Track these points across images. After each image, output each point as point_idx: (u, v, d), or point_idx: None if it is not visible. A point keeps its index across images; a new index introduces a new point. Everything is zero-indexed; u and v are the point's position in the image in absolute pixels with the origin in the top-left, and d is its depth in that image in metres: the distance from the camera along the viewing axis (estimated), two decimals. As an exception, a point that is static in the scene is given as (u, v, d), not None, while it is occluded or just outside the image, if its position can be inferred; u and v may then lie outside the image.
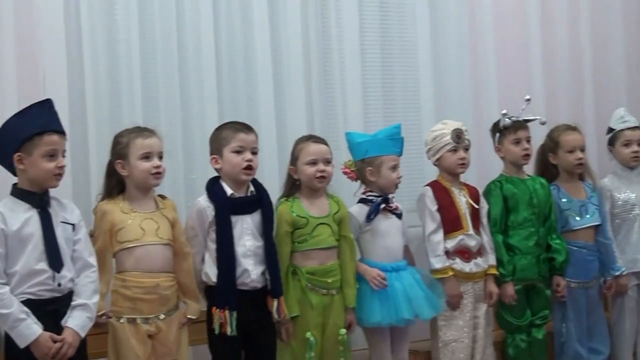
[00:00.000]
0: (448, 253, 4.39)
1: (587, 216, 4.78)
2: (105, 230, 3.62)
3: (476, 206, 4.48)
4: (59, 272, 3.31)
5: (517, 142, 4.63)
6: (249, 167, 3.84)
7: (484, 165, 5.12)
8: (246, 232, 3.84)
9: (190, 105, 4.63)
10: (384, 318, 4.12)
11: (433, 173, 4.62)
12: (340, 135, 4.66)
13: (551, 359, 4.78)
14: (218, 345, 3.80)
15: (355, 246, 4.19)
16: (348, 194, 4.39)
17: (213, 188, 3.88)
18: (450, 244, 4.41)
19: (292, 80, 4.86)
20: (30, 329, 3.22)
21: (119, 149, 3.69)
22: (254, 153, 3.89)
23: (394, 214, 4.30)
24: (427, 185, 4.52)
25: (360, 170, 4.28)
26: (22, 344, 3.21)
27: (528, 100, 4.68)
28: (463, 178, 4.60)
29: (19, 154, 3.31)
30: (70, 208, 3.47)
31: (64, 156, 3.39)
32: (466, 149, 4.49)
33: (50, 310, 3.29)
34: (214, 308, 3.74)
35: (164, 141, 4.38)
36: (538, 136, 4.86)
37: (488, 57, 5.43)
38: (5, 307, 3.19)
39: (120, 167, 3.68)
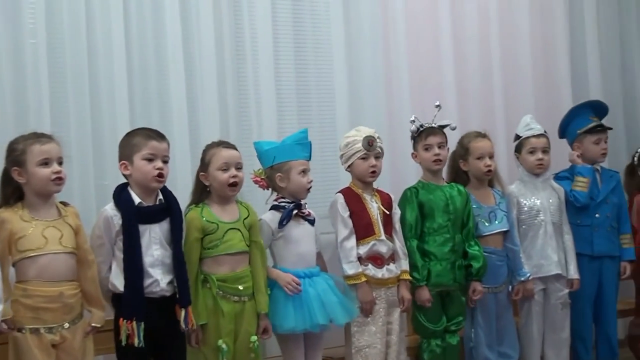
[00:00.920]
0: (361, 259, 4.41)
1: (496, 222, 4.84)
2: (2, 239, 3.52)
3: (387, 212, 4.51)
4: None
5: (428, 148, 4.67)
6: (160, 176, 3.79)
7: (398, 172, 5.17)
8: (154, 241, 3.78)
9: (101, 111, 4.55)
10: (298, 324, 4.11)
11: (348, 179, 4.63)
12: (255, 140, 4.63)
13: (463, 364, 4.84)
14: (126, 356, 3.74)
15: (266, 252, 4.18)
16: (262, 201, 4.38)
17: (120, 196, 3.80)
18: (363, 250, 4.42)
19: (205, 85, 4.82)
20: None
21: (15, 156, 3.58)
22: (165, 162, 3.83)
23: (306, 220, 4.29)
24: (339, 192, 4.53)
25: (270, 177, 4.28)
26: None
27: (438, 106, 4.72)
28: (377, 184, 4.62)
29: None
30: None
31: None
32: (377, 157, 4.51)
33: None
34: (121, 319, 3.68)
35: (74, 146, 4.34)
36: (452, 144, 4.92)
37: (401, 65, 5.47)
38: None
39: (17, 174, 3.57)
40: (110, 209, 3.78)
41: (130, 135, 3.90)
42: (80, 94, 4.48)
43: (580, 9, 6.26)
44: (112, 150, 4.33)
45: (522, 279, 4.89)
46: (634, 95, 6.50)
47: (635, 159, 5.46)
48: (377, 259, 4.45)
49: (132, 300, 3.68)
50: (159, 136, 3.86)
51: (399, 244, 4.54)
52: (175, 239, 3.82)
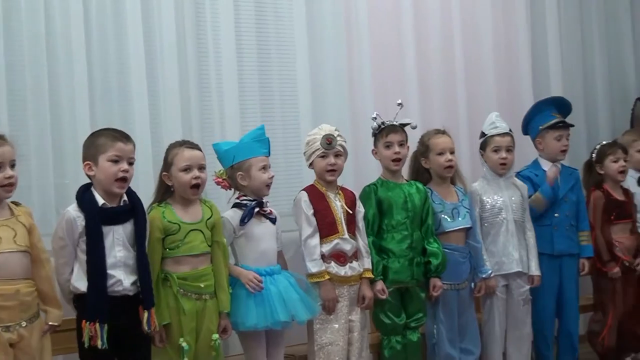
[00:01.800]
0: (324, 257, 4.42)
1: (459, 219, 4.87)
2: None
3: (350, 211, 4.51)
4: None
5: (389, 145, 4.69)
6: (124, 179, 3.75)
7: (361, 169, 5.18)
8: (117, 242, 3.74)
9: (61, 109, 4.51)
10: (260, 321, 4.10)
11: (311, 177, 4.63)
12: (218, 140, 4.64)
13: (425, 361, 4.86)
14: (89, 358, 3.70)
15: (228, 251, 4.17)
16: (226, 199, 4.38)
17: (83, 197, 3.76)
18: (326, 248, 4.43)
19: (167, 84, 4.80)
20: None
21: None
22: (131, 163, 3.80)
23: (268, 218, 4.29)
24: (303, 189, 4.53)
25: (231, 177, 4.27)
26: None
27: (400, 104, 4.72)
28: (341, 182, 4.63)
29: None
30: None
31: None
32: (338, 155, 4.51)
33: None
34: (83, 321, 3.64)
35: (32, 145, 4.28)
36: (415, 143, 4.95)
37: (364, 63, 5.48)
38: None
39: None
40: (73, 210, 3.74)
41: (95, 135, 3.85)
42: (39, 91, 4.44)
43: (541, 8, 6.32)
44: (72, 149, 4.32)
45: (484, 276, 4.92)
46: (594, 93, 6.58)
47: (594, 155, 5.51)
48: (340, 257, 4.46)
49: (95, 302, 3.64)
50: (125, 137, 3.81)
51: (362, 242, 4.55)
52: (139, 241, 3.79)
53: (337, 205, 4.50)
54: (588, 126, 6.47)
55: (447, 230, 4.83)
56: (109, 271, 3.69)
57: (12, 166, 3.58)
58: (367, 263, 4.54)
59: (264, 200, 4.29)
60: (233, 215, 4.22)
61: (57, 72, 4.50)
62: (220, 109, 4.99)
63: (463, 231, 4.88)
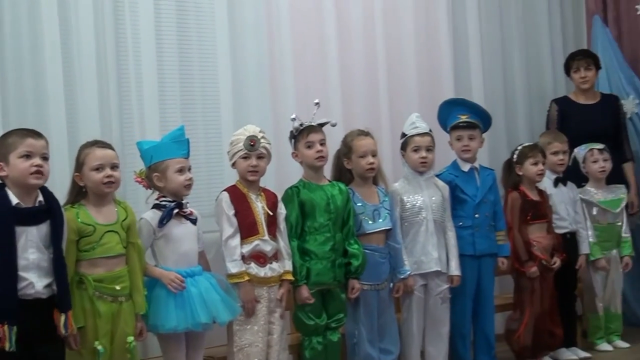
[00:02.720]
0: (244, 258, 4.41)
1: (380, 220, 4.90)
2: None
3: (271, 213, 4.51)
4: None
5: (310, 145, 4.69)
6: (39, 172, 3.68)
7: (284, 171, 5.18)
8: (30, 244, 3.66)
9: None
10: (180, 323, 4.08)
11: (234, 177, 4.62)
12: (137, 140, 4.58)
13: (345, 361, 4.88)
14: None
15: (144, 252, 4.13)
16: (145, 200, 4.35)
17: None
18: (246, 248, 4.42)
19: (85, 84, 4.70)
20: None
21: None
22: (45, 159, 3.73)
23: (188, 219, 4.27)
24: (225, 190, 4.52)
25: (149, 177, 4.24)
26: None
27: (317, 104, 4.73)
28: (263, 183, 4.63)
29: None
30: None
31: None
32: (260, 157, 4.51)
33: None
34: None
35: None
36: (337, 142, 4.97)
37: (286, 64, 5.47)
38: None
39: None
40: None
41: (4, 136, 3.79)
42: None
43: (463, 12, 6.37)
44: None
45: (402, 276, 4.96)
46: (514, 94, 6.67)
47: (515, 156, 5.60)
48: (260, 258, 4.45)
49: (3, 304, 3.56)
50: (36, 134, 3.75)
51: (282, 243, 4.56)
52: (55, 242, 3.72)
53: (259, 206, 4.50)
54: (508, 127, 6.55)
55: (367, 232, 4.85)
56: (21, 273, 3.61)
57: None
58: (288, 265, 4.55)
59: (183, 201, 4.26)
60: (153, 216, 4.19)
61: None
62: (140, 109, 4.92)
63: (383, 232, 4.91)
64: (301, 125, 4.71)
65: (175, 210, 4.21)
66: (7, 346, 3.54)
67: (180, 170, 4.22)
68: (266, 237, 4.47)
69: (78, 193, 4.00)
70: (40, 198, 3.74)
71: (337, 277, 4.69)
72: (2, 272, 3.58)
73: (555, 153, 5.73)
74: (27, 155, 3.67)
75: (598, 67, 6.38)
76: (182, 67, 5.14)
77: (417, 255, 5.05)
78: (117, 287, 3.93)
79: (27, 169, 3.65)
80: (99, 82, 4.75)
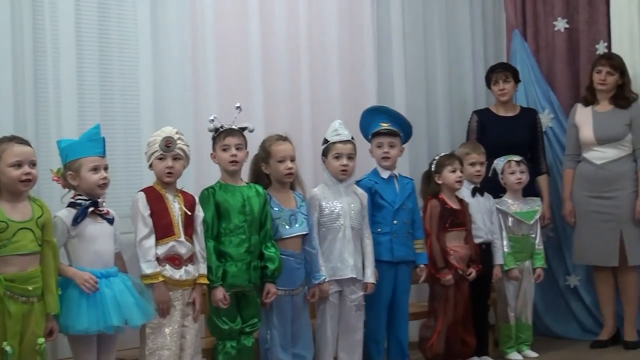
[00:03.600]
0: (159, 259, 4.38)
1: (296, 225, 4.91)
2: None
3: (189, 213, 4.49)
4: None
5: (226, 149, 4.69)
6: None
7: (203, 173, 5.15)
8: None
9: None
10: (92, 324, 4.02)
11: (151, 178, 4.59)
12: (52, 139, 4.54)
13: (258, 366, 4.87)
14: None
15: (59, 251, 4.06)
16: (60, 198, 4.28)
17: None
18: (161, 250, 4.39)
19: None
20: None
21: None
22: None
23: (104, 218, 4.22)
24: (141, 190, 4.49)
25: (64, 176, 4.18)
26: None
27: (238, 107, 4.74)
28: (183, 184, 4.59)
29: None
30: None
31: None
32: (176, 158, 4.48)
33: None
34: None
35: None
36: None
37: (209, 67, 5.43)
38: None
39: None
40: None
41: None
42: None
43: (387, 21, 6.42)
44: None
45: (317, 282, 4.97)
46: (436, 104, 6.73)
47: (433, 166, 5.67)
48: (175, 260, 4.43)
49: None
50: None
51: (198, 247, 4.53)
52: None
53: (176, 207, 4.47)
54: (429, 137, 6.62)
55: (284, 237, 4.86)
56: None
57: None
58: (203, 268, 4.53)
59: (99, 200, 4.20)
60: (67, 215, 4.13)
61: None
62: (57, 108, 4.80)
63: (300, 237, 4.92)
64: (221, 127, 4.70)
65: (91, 209, 4.16)
66: None
67: (95, 169, 4.16)
68: (182, 238, 4.44)
69: None
70: None
71: (252, 280, 4.68)
72: None
73: (473, 164, 5.82)
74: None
75: (517, 80, 6.49)
76: (102, 65, 5.05)
77: (333, 261, 5.07)
78: (30, 288, 3.85)
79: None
80: (14, 81, 4.62)
